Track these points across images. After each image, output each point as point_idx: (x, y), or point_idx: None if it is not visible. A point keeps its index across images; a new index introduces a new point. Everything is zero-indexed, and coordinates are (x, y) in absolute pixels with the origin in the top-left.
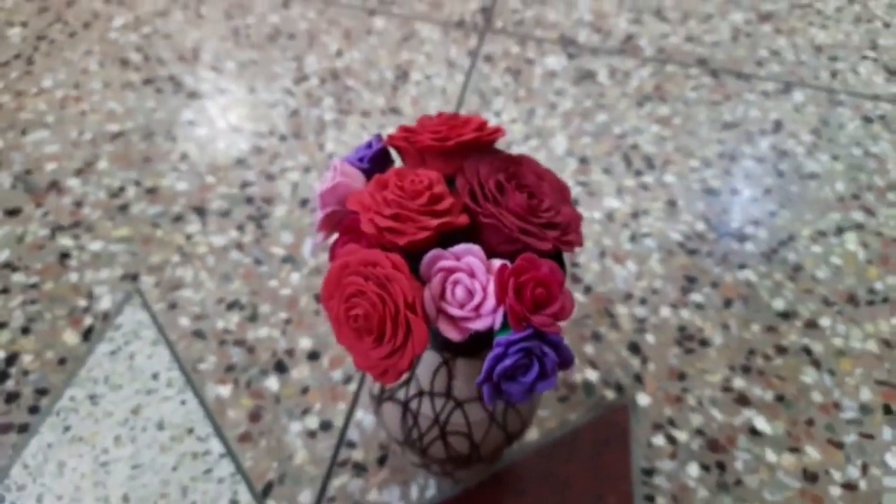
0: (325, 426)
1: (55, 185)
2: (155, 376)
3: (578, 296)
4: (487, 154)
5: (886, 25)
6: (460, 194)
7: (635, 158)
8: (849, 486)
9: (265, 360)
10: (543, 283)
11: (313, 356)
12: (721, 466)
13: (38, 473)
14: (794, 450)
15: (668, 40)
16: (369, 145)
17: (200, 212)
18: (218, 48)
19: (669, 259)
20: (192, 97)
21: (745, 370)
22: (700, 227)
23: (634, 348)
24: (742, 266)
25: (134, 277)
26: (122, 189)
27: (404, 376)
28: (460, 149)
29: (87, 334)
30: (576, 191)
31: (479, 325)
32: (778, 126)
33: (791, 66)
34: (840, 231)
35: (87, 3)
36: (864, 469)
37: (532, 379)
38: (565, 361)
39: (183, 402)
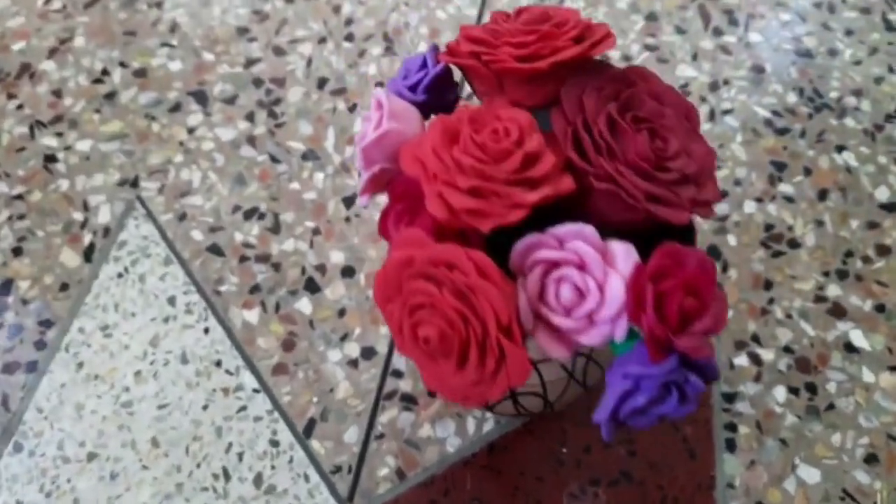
0: (367, 353)
1: (27, 70)
2: (171, 301)
3: None
4: (589, 72)
5: None
6: (559, 141)
7: (714, 12)
8: None
9: (293, 278)
10: (693, 290)
11: (347, 272)
12: (811, 389)
13: (55, 418)
14: (895, 368)
15: None
16: (423, 64)
17: (201, 98)
18: None
19: (755, 141)
20: None
21: (842, 275)
22: (792, 99)
23: (714, 252)
24: (841, 148)
25: (133, 183)
26: (105, 72)
27: None
28: (555, 70)
29: (89, 254)
30: (643, 56)
31: (593, 338)
32: None
33: None
34: None
35: None
36: None
37: (668, 411)
38: (710, 380)
39: (206, 331)
